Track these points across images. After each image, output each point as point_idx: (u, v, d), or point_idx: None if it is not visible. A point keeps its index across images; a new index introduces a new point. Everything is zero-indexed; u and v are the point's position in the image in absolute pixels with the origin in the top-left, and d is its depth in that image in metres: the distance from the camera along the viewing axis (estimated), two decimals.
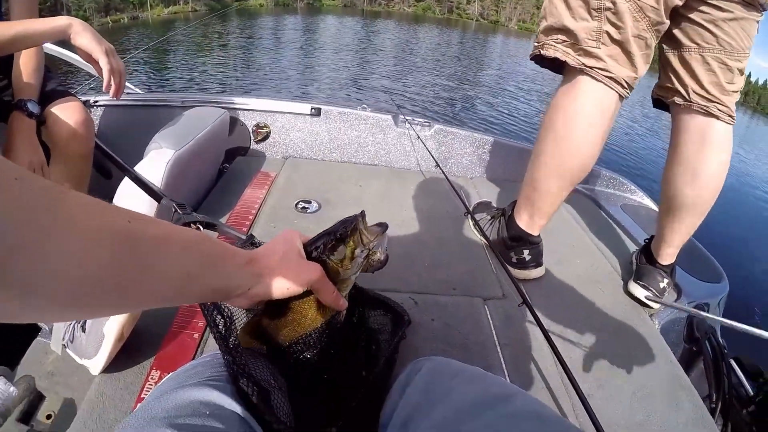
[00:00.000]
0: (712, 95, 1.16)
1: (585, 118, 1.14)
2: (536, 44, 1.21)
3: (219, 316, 0.67)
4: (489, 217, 1.51)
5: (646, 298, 1.33)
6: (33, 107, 1.24)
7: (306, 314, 0.67)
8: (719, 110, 1.16)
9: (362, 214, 0.68)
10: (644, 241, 1.47)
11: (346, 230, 0.66)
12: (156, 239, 0.44)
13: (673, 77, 1.21)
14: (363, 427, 0.73)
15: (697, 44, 1.13)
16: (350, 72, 10.75)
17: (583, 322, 1.23)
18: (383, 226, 0.70)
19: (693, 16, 1.09)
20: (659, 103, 1.31)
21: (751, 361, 1.30)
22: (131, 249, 0.41)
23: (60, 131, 1.31)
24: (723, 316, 1.52)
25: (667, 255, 1.35)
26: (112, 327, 0.86)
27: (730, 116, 1.18)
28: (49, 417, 0.87)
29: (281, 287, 0.59)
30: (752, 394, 1.23)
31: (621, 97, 1.14)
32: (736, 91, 1.17)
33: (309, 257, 0.64)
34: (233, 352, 0.64)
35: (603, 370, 1.11)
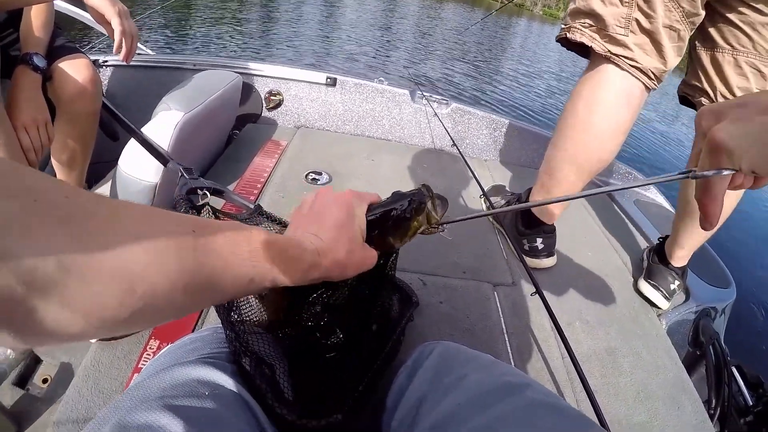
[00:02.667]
0: None
1: (607, 107, 1.10)
2: (563, 26, 1.16)
3: None
4: (503, 202, 1.48)
5: (655, 297, 1.31)
6: (39, 61, 1.20)
7: None
8: None
9: (429, 190, 0.61)
10: (657, 240, 1.44)
11: (417, 208, 0.59)
12: (222, 250, 0.41)
13: (702, 76, 1.15)
14: (368, 412, 0.71)
15: (732, 46, 1.08)
16: (369, 45, 10.56)
17: (590, 317, 1.21)
18: (444, 203, 0.63)
19: (731, 16, 1.04)
20: (685, 100, 1.26)
21: (752, 371, 1.28)
22: (196, 262, 0.38)
23: (66, 88, 1.28)
24: (728, 324, 1.49)
25: (680, 257, 1.32)
26: None
27: None
28: (45, 381, 0.87)
29: (338, 278, 0.55)
30: (751, 404, 1.21)
31: (647, 89, 1.10)
32: None
33: (369, 231, 0.59)
34: (236, 328, 0.61)
35: (608, 367, 1.09)
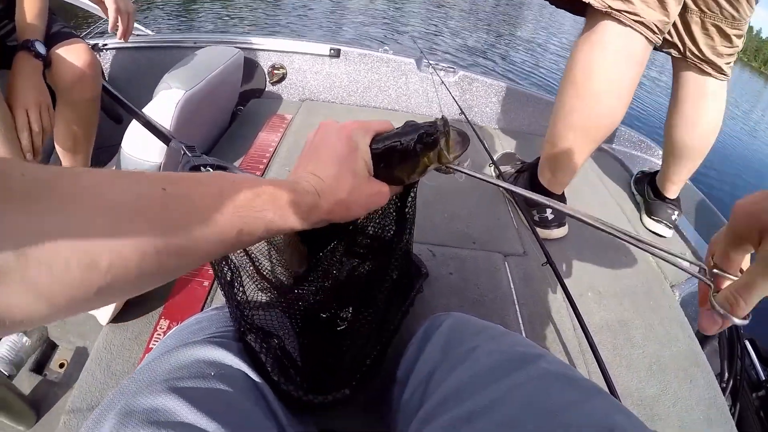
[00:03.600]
0: (706, 56, 1.18)
1: (607, 69, 1.05)
2: None
3: (227, 267, 0.62)
4: (513, 171, 1.45)
5: (659, 229, 1.45)
6: (40, 47, 1.18)
7: None
8: (713, 69, 1.21)
9: (446, 124, 0.51)
10: (639, 173, 1.65)
11: (427, 144, 0.51)
12: (200, 204, 0.38)
13: (672, 30, 1.16)
14: (377, 385, 0.71)
15: (700, 9, 1.12)
16: (377, 15, 10.33)
17: (602, 288, 1.19)
18: (465, 140, 0.52)
19: None
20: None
21: (765, 346, 1.26)
22: (168, 223, 0.35)
23: (65, 73, 1.25)
24: None
25: (673, 191, 1.45)
26: None
27: (724, 74, 1.23)
28: (61, 366, 0.87)
29: (343, 218, 0.51)
30: (764, 378, 1.19)
31: (650, 43, 1.05)
32: (732, 54, 1.20)
33: (376, 164, 0.53)
34: (241, 305, 0.59)
35: (620, 339, 1.07)
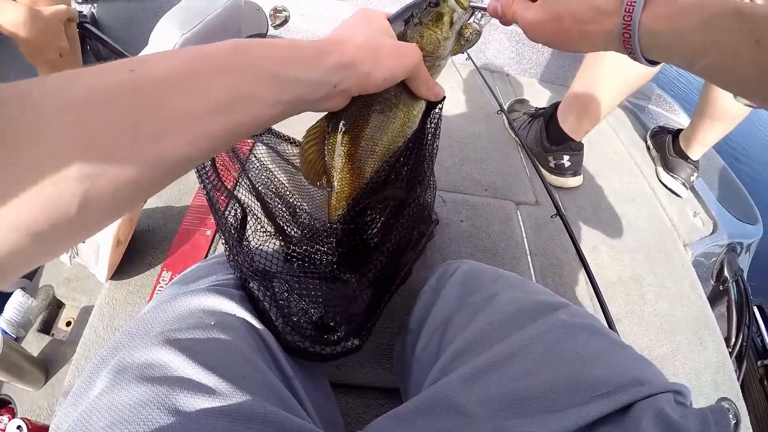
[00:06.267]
0: None
1: None
2: None
3: (231, 208, 0.57)
4: (527, 117, 1.37)
5: (676, 186, 1.37)
6: None
7: (394, 112, 0.53)
8: None
9: None
10: (657, 127, 1.55)
11: None
12: (175, 76, 0.31)
13: None
14: (386, 337, 0.69)
15: None
16: None
17: (616, 241, 1.15)
18: None
19: None
20: None
21: None
22: (141, 99, 0.29)
23: None
24: (751, 262, 1.46)
25: (697, 151, 1.35)
26: (106, 234, 0.80)
27: None
28: (68, 324, 0.88)
29: (377, 78, 0.45)
30: None
31: None
32: None
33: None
34: (243, 254, 0.54)
35: (632, 296, 1.05)
